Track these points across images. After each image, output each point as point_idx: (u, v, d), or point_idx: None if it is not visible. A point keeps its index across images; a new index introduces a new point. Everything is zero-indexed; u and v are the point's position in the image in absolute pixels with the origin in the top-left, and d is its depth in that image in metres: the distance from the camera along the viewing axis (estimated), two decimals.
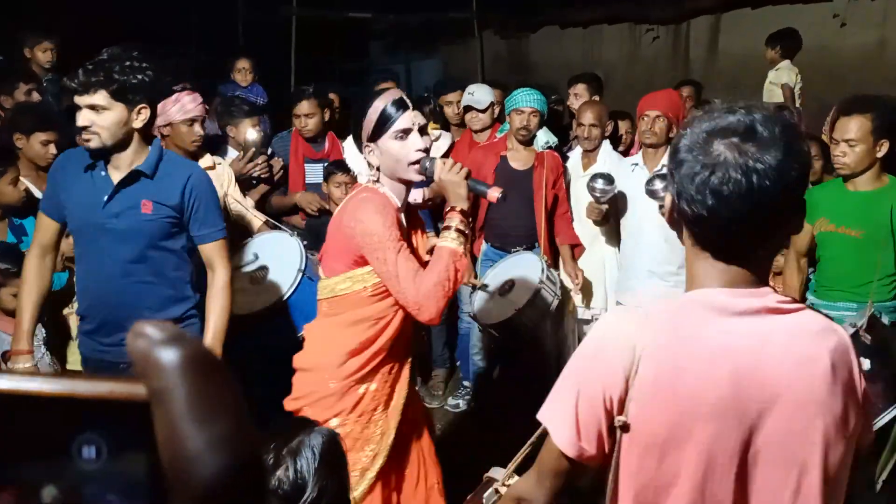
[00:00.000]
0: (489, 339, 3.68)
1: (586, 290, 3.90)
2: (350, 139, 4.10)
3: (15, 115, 3.49)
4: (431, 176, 2.05)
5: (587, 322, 4.03)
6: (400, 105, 2.02)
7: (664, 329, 1.13)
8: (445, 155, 4.11)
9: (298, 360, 2.17)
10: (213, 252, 2.53)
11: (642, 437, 1.12)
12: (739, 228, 1.09)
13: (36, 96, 3.99)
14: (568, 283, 3.74)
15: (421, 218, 2.33)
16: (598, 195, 3.48)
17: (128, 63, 2.26)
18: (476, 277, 3.78)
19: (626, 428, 1.13)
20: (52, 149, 3.31)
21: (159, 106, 3.40)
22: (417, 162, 2.03)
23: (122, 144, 2.33)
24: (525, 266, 3.52)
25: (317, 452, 1.39)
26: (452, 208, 2.06)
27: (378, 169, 2.08)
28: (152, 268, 2.43)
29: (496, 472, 1.57)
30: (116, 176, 2.36)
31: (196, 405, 0.26)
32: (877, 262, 2.76)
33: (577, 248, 3.92)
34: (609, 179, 3.46)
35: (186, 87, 3.51)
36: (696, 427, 1.09)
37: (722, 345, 1.10)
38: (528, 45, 8.01)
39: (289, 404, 2.14)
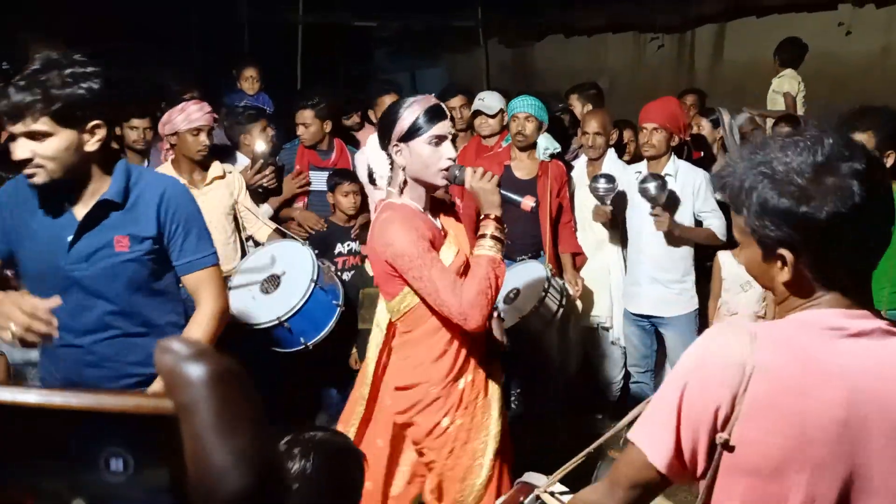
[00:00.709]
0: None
1: (588, 297, 3.91)
2: (364, 149, 4.12)
3: None
4: (461, 183, 2.09)
5: (591, 329, 4.04)
6: (438, 113, 2.06)
7: (776, 349, 1.11)
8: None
9: (396, 380, 2.24)
10: (199, 283, 2.04)
11: (748, 459, 1.10)
12: (862, 253, 1.11)
13: None
14: (570, 290, 3.75)
15: (457, 213, 2.35)
16: (601, 194, 3.53)
17: (68, 73, 1.77)
18: None
19: (728, 447, 1.10)
20: None
21: (165, 115, 3.45)
22: (447, 169, 2.07)
23: (76, 174, 1.87)
24: (530, 274, 3.53)
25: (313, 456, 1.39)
26: (486, 216, 2.09)
27: (403, 169, 2.10)
28: (139, 317, 2.01)
29: (533, 478, 1.55)
30: (80, 211, 1.92)
31: (221, 418, 0.26)
32: (888, 271, 2.76)
33: (578, 256, 3.93)
34: (610, 178, 3.51)
35: (194, 97, 3.54)
36: (808, 450, 1.07)
37: (839, 367, 1.08)
38: (532, 53, 8.03)
39: (398, 418, 2.23)
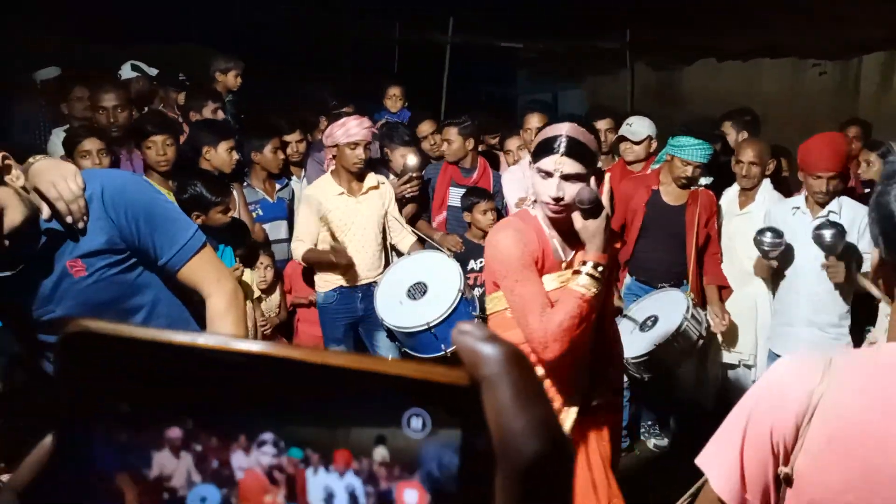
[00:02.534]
0: (628, 375, 3.61)
1: (731, 332, 3.75)
2: (512, 168, 4.21)
3: (199, 131, 3.84)
4: (583, 208, 1.94)
5: (733, 367, 3.87)
6: (550, 146, 1.96)
7: (849, 381, 1.06)
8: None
9: None
10: (195, 272, 1.72)
11: (811, 495, 1.05)
12: None
13: (220, 114, 4.39)
14: (713, 323, 3.61)
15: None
16: (766, 249, 3.25)
17: None
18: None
19: (789, 481, 1.06)
20: (235, 154, 3.65)
21: (328, 129, 3.68)
22: (555, 203, 1.97)
23: None
24: (671, 302, 3.44)
25: None
26: (586, 254, 1.98)
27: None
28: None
29: None
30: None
31: (520, 391, 0.30)
32: None
33: (724, 289, 3.78)
34: (777, 233, 3.23)
35: (353, 112, 3.76)
36: (876, 491, 1.01)
37: None
38: (681, 76, 7.82)
39: None
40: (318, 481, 0.30)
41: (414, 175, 3.91)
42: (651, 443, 4.06)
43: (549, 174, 1.95)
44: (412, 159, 3.92)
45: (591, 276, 1.93)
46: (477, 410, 0.30)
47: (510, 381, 0.31)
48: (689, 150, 3.55)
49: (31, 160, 1.62)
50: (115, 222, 1.63)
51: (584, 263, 1.95)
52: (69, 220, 1.58)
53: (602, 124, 4.41)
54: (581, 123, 2.00)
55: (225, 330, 1.70)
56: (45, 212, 1.56)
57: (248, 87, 5.26)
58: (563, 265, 2.06)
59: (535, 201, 2.06)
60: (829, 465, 1.04)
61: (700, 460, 1.16)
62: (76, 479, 0.32)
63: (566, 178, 1.94)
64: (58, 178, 1.55)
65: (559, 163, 1.94)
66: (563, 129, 1.96)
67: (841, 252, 3.08)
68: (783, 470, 1.06)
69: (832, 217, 3.18)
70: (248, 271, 3.52)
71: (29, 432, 0.35)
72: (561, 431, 0.32)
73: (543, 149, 1.97)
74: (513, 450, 0.30)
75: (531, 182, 2.04)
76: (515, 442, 0.30)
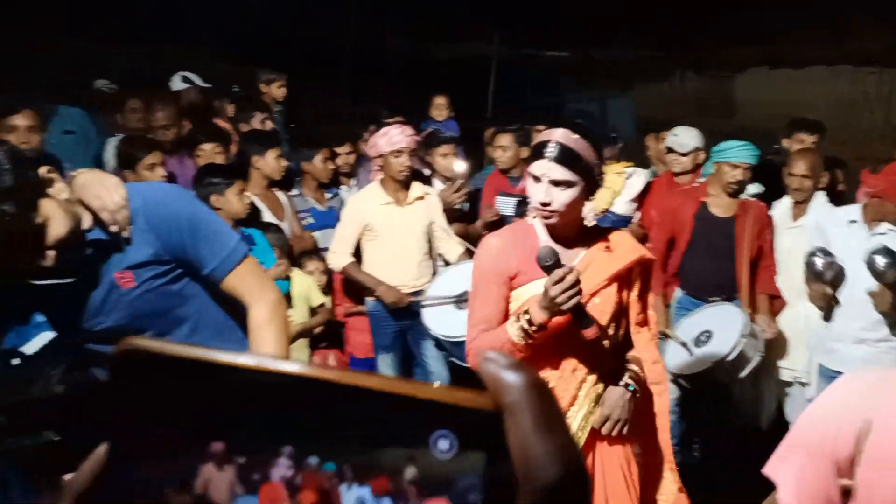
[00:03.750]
0: (680, 391, 3.53)
1: (784, 348, 3.65)
2: None
3: (249, 139, 3.97)
4: (544, 269, 1.81)
5: (788, 384, 3.76)
6: (540, 151, 1.91)
7: None
8: (642, 194, 4.05)
9: None
10: (238, 282, 1.74)
11: None
12: None
13: (269, 124, 4.48)
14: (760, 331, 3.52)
15: (617, 265, 2.01)
16: (819, 270, 3.10)
17: None
18: (668, 326, 3.66)
19: (850, 494, 1.08)
20: (283, 162, 3.73)
21: (371, 139, 3.71)
22: (542, 207, 1.91)
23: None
24: (725, 318, 3.36)
25: None
26: (534, 307, 1.84)
27: None
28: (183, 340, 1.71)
29: None
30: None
31: (540, 419, 0.32)
32: None
33: (776, 300, 3.67)
34: (827, 252, 3.10)
35: (399, 121, 3.79)
36: None
37: None
38: (731, 84, 7.68)
39: None
40: (351, 496, 0.32)
41: (464, 181, 3.92)
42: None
43: (538, 178, 1.91)
44: (460, 165, 3.94)
45: (525, 330, 1.85)
46: (501, 435, 0.31)
47: (530, 409, 0.32)
48: (734, 151, 3.50)
49: (73, 173, 1.67)
50: (160, 235, 1.66)
51: (526, 311, 1.86)
52: (114, 230, 1.61)
53: (664, 134, 4.33)
54: (579, 130, 1.93)
55: (267, 338, 1.72)
56: (87, 220, 1.59)
57: (298, 98, 5.36)
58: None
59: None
60: (889, 477, 1.06)
61: (767, 470, 1.19)
62: (128, 488, 0.34)
63: (556, 183, 1.89)
64: (102, 189, 1.59)
65: (547, 168, 1.89)
66: (556, 135, 1.91)
67: (892, 282, 2.93)
68: (844, 482, 1.08)
69: (890, 239, 3.02)
70: (300, 272, 3.59)
71: (85, 439, 0.37)
72: (579, 458, 0.33)
73: (535, 153, 1.94)
74: (532, 475, 0.31)
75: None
76: (534, 467, 0.31)
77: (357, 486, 0.31)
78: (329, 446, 0.32)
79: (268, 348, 1.72)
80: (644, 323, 2.10)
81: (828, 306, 3.29)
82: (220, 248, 1.71)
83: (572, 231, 2.00)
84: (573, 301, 1.77)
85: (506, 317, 1.98)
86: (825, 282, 3.14)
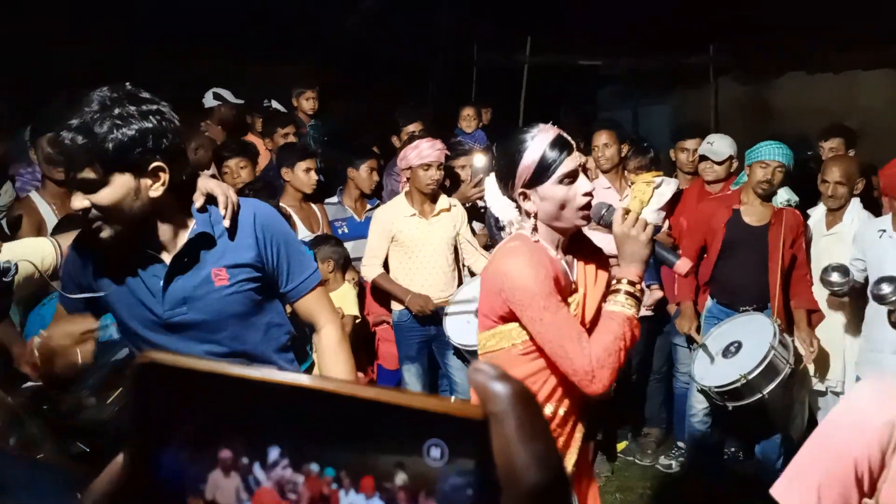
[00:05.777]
0: (710, 402, 3.48)
1: (821, 360, 3.57)
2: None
3: (280, 153, 4.06)
4: (607, 225, 1.80)
5: (821, 394, 3.68)
6: (562, 146, 1.76)
7: None
8: (672, 203, 4.00)
9: None
10: (313, 305, 1.91)
11: None
12: None
13: (292, 138, 4.54)
14: (801, 350, 3.45)
15: (607, 265, 1.97)
16: (835, 289, 3.25)
17: (118, 112, 1.54)
18: (699, 333, 3.62)
19: None
20: (314, 175, 3.81)
21: (402, 151, 3.75)
22: (587, 206, 1.78)
23: (144, 224, 1.67)
24: (755, 328, 3.30)
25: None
26: (622, 270, 1.76)
27: (535, 215, 1.81)
28: (248, 356, 1.82)
29: None
30: (167, 255, 1.74)
31: (523, 427, 0.33)
32: None
33: (815, 313, 3.60)
34: (844, 271, 3.20)
35: (428, 134, 3.82)
36: None
37: None
38: (769, 91, 7.53)
39: None
40: (348, 501, 0.33)
41: (482, 177, 3.94)
42: (663, 462, 4.01)
43: (574, 174, 1.76)
44: (480, 160, 3.96)
45: (632, 294, 1.74)
46: (488, 442, 0.33)
47: (515, 417, 0.33)
48: (765, 150, 3.47)
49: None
50: (263, 243, 1.80)
51: (620, 281, 1.76)
52: (226, 223, 1.76)
53: (691, 143, 4.28)
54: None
55: (340, 359, 1.90)
56: (199, 200, 1.76)
57: (333, 110, 5.41)
58: (574, 288, 1.86)
59: (534, 228, 1.82)
60: None
61: (776, 491, 1.12)
62: (144, 495, 0.36)
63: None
64: (223, 187, 1.81)
65: (578, 155, 1.78)
66: (552, 129, 1.80)
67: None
68: (868, 503, 1.03)
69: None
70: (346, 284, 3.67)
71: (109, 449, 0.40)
72: (561, 465, 0.34)
73: (559, 150, 1.75)
74: (515, 481, 0.32)
75: (535, 206, 1.80)
76: (518, 473, 0.33)
77: (354, 492, 0.33)
78: (330, 453, 0.34)
79: (341, 367, 1.90)
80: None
81: (860, 304, 3.31)
82: (304, 269, 1.89)
83: (574, 242, 1.90)
84: (650, 230, 1.74)
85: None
86: (842, 297, 3.25)
